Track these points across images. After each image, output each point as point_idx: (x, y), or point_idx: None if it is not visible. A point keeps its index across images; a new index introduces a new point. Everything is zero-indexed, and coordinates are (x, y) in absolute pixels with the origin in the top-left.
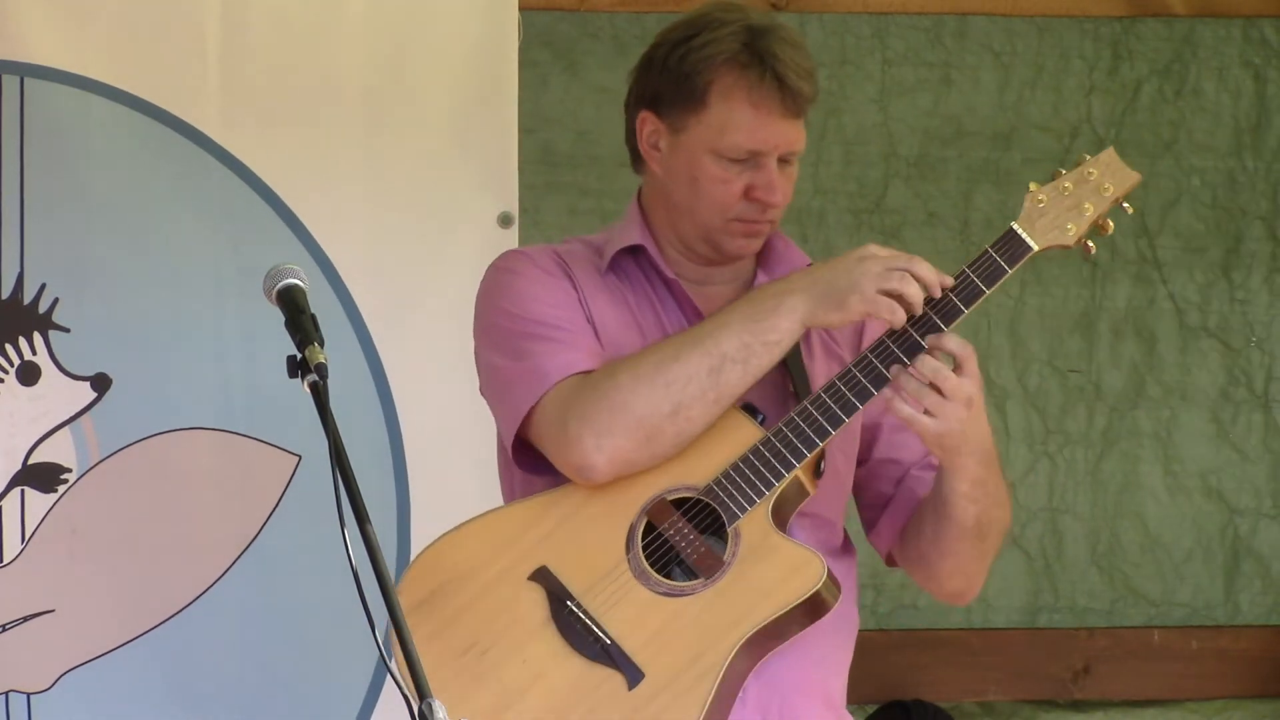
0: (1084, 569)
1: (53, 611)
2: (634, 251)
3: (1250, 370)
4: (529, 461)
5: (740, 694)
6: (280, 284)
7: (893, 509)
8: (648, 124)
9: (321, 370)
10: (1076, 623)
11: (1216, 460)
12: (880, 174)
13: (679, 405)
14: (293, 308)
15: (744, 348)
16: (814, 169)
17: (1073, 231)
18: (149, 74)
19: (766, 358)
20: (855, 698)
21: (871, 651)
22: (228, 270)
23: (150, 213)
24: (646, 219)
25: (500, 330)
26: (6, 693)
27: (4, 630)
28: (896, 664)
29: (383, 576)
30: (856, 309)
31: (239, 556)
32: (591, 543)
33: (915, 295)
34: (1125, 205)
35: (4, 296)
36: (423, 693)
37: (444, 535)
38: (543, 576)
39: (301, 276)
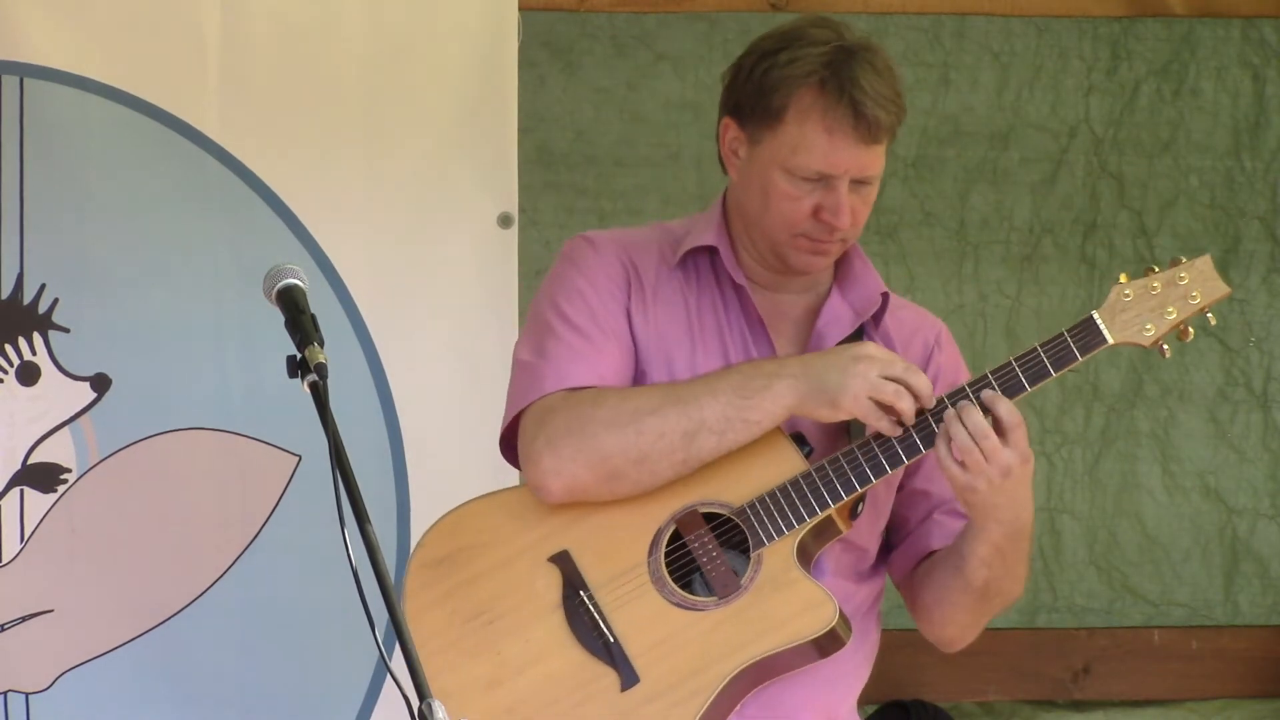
0: (1083, 569)
1: (52, 611)
2: (710, 251)
3: (1249, 370)
4: (512, 455)
5: (739, 709)
6: (280, 284)
7: (908, 545)
8: (730, 130)
9: (321, 370)
10: (1076, 623)
11: (1215, 460)
12: None
13: (645, 456)
14: (293, 308)
15: (724, 420)
16: None
17: (1151, 333)
18: (149, 74)
19: (744, 434)
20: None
21: None
22: (228, 270)
23: (150, 213)
24: (727, 219)
25: (540, 320)
26: (5, 692)
27: (3, 630)
28: (896, 664)
29: (383, 576)
30: (847, 409)
31: (239, 556)
32: (616, 538)
33: (907, 410)
34: (1209, 315)
35: (4, 296)
36: (422, 693)
37: (472, 500)
38: (562, 561)
39: (301, 276)
